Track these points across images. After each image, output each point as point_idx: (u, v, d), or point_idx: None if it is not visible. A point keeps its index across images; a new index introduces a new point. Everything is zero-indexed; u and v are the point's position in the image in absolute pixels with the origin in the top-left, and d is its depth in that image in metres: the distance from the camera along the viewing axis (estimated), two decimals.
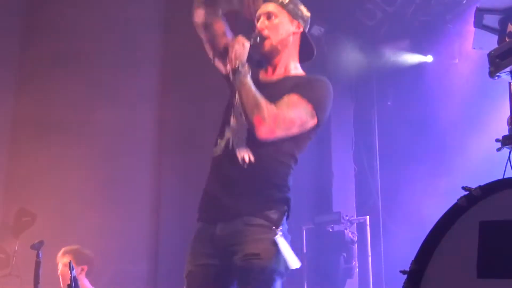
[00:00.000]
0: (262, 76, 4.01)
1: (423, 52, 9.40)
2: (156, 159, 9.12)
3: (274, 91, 3.80)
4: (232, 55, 3.75)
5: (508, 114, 3.53)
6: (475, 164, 7.62)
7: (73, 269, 4.84)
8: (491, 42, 3.57)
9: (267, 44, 3.91)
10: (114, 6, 8.70)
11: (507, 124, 3.56)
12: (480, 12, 3.61)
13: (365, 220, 8.96)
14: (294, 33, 3.97)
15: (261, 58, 3.99)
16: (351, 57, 9.85)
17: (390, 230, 9.13)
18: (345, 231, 8.77)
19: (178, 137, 9.04)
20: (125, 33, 8.80)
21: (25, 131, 8.54)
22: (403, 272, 2.81)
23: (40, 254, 5.20)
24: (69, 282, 6.52)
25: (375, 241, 8.99)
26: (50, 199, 8.22)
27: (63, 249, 6.92)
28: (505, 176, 3.00)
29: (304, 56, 4.06)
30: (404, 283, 2.79)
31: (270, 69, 4.01)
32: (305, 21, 4.03)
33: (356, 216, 9.19)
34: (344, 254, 8.68)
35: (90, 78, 8.55)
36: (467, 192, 2.74)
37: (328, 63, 9.54)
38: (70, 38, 8.59)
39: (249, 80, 3.72)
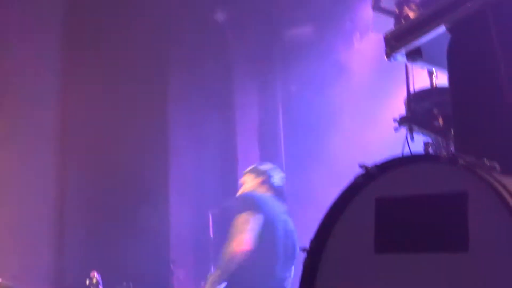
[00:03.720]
0: None
1: (325, 36, 9.49)
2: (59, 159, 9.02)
3: None
4: None
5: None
6: (376, 146, 7.75)
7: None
8: (389, 25, 3.64)
9: None
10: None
11: (404, 105, 3.65)
12: None
13: None
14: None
15: None
16: (254, 43, 9.90)
17: (296, 213, 9.19)
18: None
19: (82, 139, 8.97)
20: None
21: None
22: (303, 250, 2.86)
23: None
24: None
25: None
26: None
27: None
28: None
29: None
30: (303, 261, 2.84)
31: None
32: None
33: None
34: None
35: None
36: (364, 170, 2.80)
37: (231, 50, 9.57)
38: None
39: None
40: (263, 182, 6.40)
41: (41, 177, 8.83)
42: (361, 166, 2.78)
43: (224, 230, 8.90)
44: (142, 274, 8.15)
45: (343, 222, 2.79)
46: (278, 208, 6.27)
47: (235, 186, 9.27)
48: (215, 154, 9.35)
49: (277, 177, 6.59)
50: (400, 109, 3.74)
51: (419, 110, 3.61)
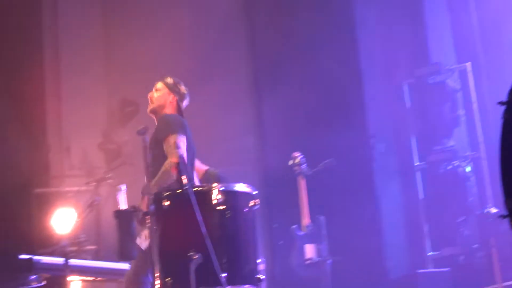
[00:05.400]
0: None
1: None
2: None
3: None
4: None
5: None
6: None
7: (179, 148, 5.02)
8: None
9: (151, 106, 6.09)
10: None
11: None
12: None
13: (466, 67, 8.76)
14: (170, 102, 6.06)
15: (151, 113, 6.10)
16: None
17: (492, 74, 8.86)
18: (447, 80, 8.65)
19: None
20: None
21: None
22: (501, 103, 2.76)
23: (146, 138, 5.31)
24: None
25: (478, 87, 8.77)
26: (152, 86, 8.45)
27: None
28: None
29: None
30: (503, 113, 2.74)
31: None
32: (180, 95, 6.10)
33: (457, 64, 8.95)
34: (449, 104, 8.60)
35: None
36: None
37: None
38: None
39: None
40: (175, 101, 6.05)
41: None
42: None
43: (420, 100, 8.80)
44: (343, 150, 8.22)
45: None
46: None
47: (426, 54, 9.06)
48: (404, 23, 9.11)
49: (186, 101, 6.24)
50: None
51: None
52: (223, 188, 5.03)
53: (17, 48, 8.72)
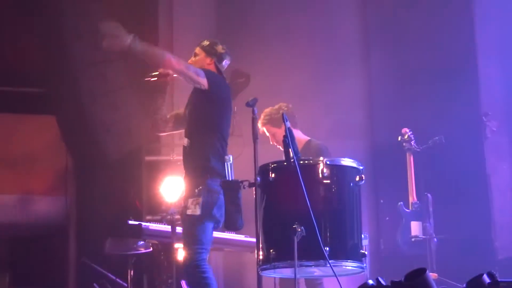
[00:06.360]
0: None
1: None
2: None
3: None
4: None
5: None
6: None
7: (286, 121, 5.01)
8: None
9: None
10: None
11: None
12: None
13: None
14: (208, 64, 6.01)
15: None
16: None
17: None
18: None
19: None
20: None
21: None
22: None
23: (255, 110, 5.33)
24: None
25: None
26: (262, 58, 8.48)
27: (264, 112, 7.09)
28: None
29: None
30: None
31: None
32: (218, 56, 6.07)
33: None
34: None
35: None
36: None
37: None
38: None
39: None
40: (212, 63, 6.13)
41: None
42: None
43: None
44: (454, 127, 8.10)
45: None
46: None
47: None
48: None
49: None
50: None
51: None
52: (329, 162, 5.03)
53: (131, 15, 8.86)
